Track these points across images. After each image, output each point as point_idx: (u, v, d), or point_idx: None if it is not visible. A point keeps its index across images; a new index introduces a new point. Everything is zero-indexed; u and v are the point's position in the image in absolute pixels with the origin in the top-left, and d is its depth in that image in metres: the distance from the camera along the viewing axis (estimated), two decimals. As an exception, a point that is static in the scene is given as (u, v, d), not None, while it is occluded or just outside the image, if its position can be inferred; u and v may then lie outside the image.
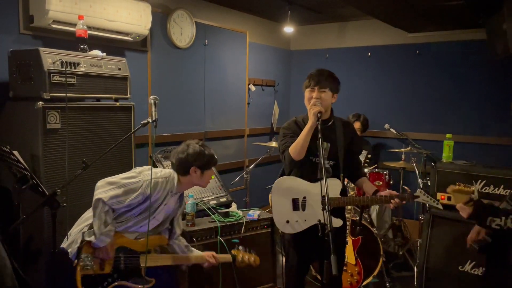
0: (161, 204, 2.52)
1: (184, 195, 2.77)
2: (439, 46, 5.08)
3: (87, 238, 2.36)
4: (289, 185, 2.72)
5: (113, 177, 2.45)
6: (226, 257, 2.86)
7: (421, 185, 4.05)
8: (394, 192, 2.65)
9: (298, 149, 2.57)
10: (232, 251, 2.90)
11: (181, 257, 2.73)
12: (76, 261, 2.37)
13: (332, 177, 2.68)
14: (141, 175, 2.47)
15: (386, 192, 2.66)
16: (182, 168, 2.56)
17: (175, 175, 2.56)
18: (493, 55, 4.17)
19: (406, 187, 3.18)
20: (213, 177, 4.00)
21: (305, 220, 2.67)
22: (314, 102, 2.56)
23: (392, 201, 2.59)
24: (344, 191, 2.76)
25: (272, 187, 2.79)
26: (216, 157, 2.65)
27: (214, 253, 2.85)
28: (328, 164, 2.70)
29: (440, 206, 2.77)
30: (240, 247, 2.93)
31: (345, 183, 3.28)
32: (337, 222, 2.67)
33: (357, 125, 4.85)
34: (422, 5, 3.81)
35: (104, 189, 2.38)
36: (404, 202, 2.64)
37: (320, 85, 2.62)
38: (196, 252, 2.84)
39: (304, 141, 2.55)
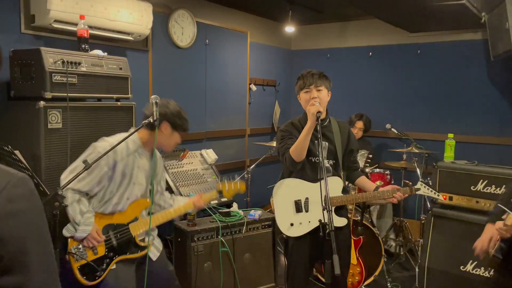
0: (134, 167, 2.48)
1: (156, 154, 2.64)
2: (440, 46, 5.07)
3: (67, 235, 2.35)
4: (290, 187, 2.71)
5: (73, 163, 2.43)
6: (212, 194, 2.80)
7: (420, 179, 4.05)
8: (395, 186, 2.66)
9: (298, 150, 2.56)
10: (217, 185, 2.80)
11: (170, 212, 2.66)
12: (66, 256, 2.36)
13: (332, 176, 2.68)
14: (96, 148, 2.40)
15: (387, 187, 2.67)
16: (152, 122, 2.43)
17: (135, 136, 2.49)
18: (494, 55, 4.16)
19: (407, 181, 3.19)
20: (214, 177, 4.00)
21: (309, 222, 2.66)
22: (313, 102, 2.55)
23: (394, 195, 2.61)
24: (345, 190, 2.76)
25: (273, 188, 2.79)
26: (189, 124, 2.59)
27: (201, 194, 2.78)
28: (328, 163, 2.70)
29: (441, 197, 2.80)
30: (225, 180, 2.81)
31: (348, 183, 3.28)
32: (341, 221, 2.67)
33: (359, 124, 4.85)
34: (423, 5, 3.80)
35: (67, 179, 2.32)
36: (406, 195, 2.66)
37: (315, 84, 2.61)
38: (182, 201, 2.78)
39: (304, 142, 2.54)
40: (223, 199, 3.79)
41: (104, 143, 2.42)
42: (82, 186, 2.37)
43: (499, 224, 2.16)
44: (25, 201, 0.88)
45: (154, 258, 2.64)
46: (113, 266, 2.47)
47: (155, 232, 2.75)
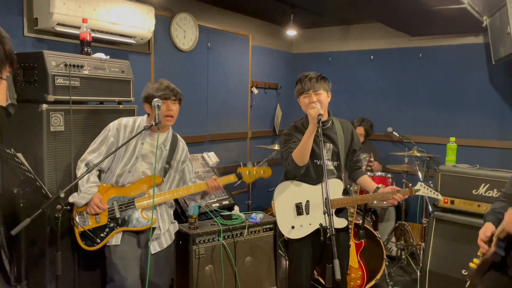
0: (138, 142, 2.62)
1: (179, 142, 2.81)
2: (442, 49, 5.07)
3: (71, 200, 2.51)
4: (291, 190, 2.72)
5: (91, 145, 2.65)
6: (230, 177, 2.83)
7: (419, 181, 4.04)
8: (395, 188, 2.68)
9: (301, 154, 2.56)
10: (238, 169, 2.85)
11: (177, 191, 2.73)
12: (72, 222, 2.53)
13: (336, 177, 2.69)
14: (108, 126, 2.66)
15: (387, 188, 2.69)
16: (144, 99, 2.67)
17: (145, 116, 2.71)
18: (496, 58, 4.16)
19: (406, 182, 3.18)
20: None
21: (310, 224, 2.67)
22: (313, 105, 2.56)
23: (394, 196, 2.62)
24: (346, 192, 2.77)
25: (274, 192, 2.79)
26: (161, 88, 2.62)
27: (215, 177, 2.84)
28: (332, 165, 2.71)
29: (440, 197, 2.81)
30: (248, 163, 2.85)
31: (349, 186, 3.28)
32: (341, 222, 2.67)
33: (360, 130, 4.82)
34: (425, 9, 3.81)
35: (86, 153, 2.61)
36: (405, 196, 2.67)
37: (314, 89, 2.62)
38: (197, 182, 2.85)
39: (306, 146, 2.54)
40: (225, 202, 3.80)
41: (115, 120, 2.67)
42: (94, 157, 2.56)
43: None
44: None
45: (153, 251, 2.67)
46: (114, 237, 2.58)
47: (166, 226, 2.77)
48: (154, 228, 2.67)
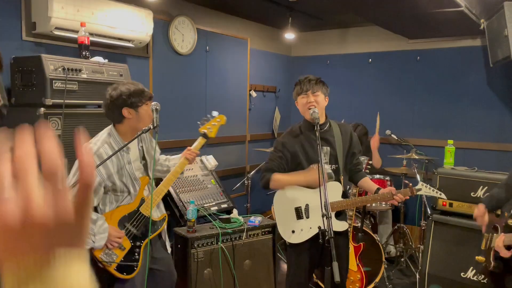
0: (123, 154, 2.47)
1: (155, 133, 2.60)
2: (440, 52, 5.09)
3: (87, 247, 2.36)
4: (290, 194, 2.72)
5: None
6: (199, 142, 2.73)
7: (419, 181, 4.04)
8: (393, 189, 2.67)
9: (280, 186, 2.68)
10: (199, 130, 2.75)
11: (170, 177, 2.64)
12: (100, 265, 2.41)
13: (333, 181, 2.69)
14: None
15: (386, 189, 2.68)
16: (113, 115, 2.40)
17: (112, 130, 2.45)
18: (494, 61, 4.17)
19: (407, 181, 3.17)
20: (213, 182, 4.00)
21: (310, 228, 2.67)
22: (310, 106, 2.61)
23: (395, 197, 2.61)
24: (345, 194, 2.77)
25: (272, 194, 2.79)
26: (142, 89, 2.44)
27: (188, 148, 2.72)
28: (330, 168, 2.71)
29: (443, 196, 2.78)
30: (203, 120, 2.77)
31: (348, 188, 3.27)
32: (341, 225, 2.67)
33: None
34: (422, 12, 3.83)
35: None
36: (407, 197, 2.66)
37: (312, 90, 2.65)
38: (175, 161, 2.76)
39: (288, 185, 2.65)
40: (223, 206, 3.80)
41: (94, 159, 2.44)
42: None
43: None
44: None
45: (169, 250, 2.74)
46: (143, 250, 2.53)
47: (164, 232, 2.77)
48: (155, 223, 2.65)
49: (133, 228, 2.53)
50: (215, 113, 2.80)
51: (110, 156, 2.36)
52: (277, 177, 2.65)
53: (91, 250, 2.40)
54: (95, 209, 2.49)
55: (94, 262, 2.42)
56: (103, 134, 2.47)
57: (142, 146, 2.64)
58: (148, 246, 2.58)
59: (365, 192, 3.67)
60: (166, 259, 2.75)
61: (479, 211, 2.59)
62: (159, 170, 2.81)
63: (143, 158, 2.64)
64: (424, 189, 2.68)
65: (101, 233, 2.37)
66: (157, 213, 2.67)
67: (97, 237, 2.35)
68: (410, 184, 2.73)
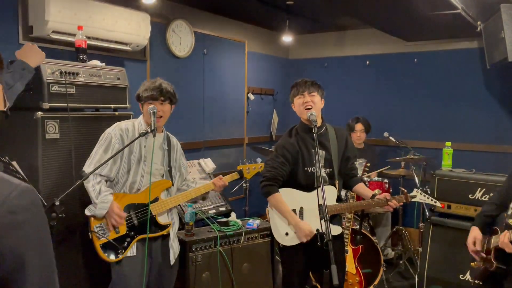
0: (142, 146, 2.61)
1: (172, 140, 2.84)
2: (437, 54, 5.10)
3: (88, 214, 2.50)
4: (285, 196, 2.72)
5: (92, 153, 2.59)
6: (233, 175, 2.88)
7: (416, 188, 4.03)
8: (388, 195, 2.67)
9: (273, 206, 2.73)
10: (238, 167, 2.94)
11: (188, 193, 2.75)
12: (89, 234, 2.49)
13: (328, 185, 2.68)
14: (106, 132, 2.60)
15: (382, 195, 2.68)
16: (136, 98, 2.69)
17: (140, 117, 2.70)
18: (491, 63, 4.19)
19: (402, 188, 3.16)
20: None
21: None
22: (306, 106, 2.64)
23: (389, 203, 2.61)
24: (340, 199, 2.77)
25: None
26: (150, 88, 2.61)
27: (220, 176, 2.86)
28: (324, 172, 2.70)
29: (438, 204, 2.80)
30: (245, 161, 3.02)
31: (346, 192, 3.27)
32: (335, 230, 2.66)
33: (359, 126, 4.82)
34: (420, 14, 3.83)
35: (91, 165, 2.51)
36: (401, 203, 2.66)
37: (309, 90, 2.68)
38: (202, 183, 2.88)
39: (281, 214, 2.70)
40: (221, 209, 3.79)
41: (113, 126, 2.62)
42: (102, 168, 2.48)
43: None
44: (27, 213, 0.83)
45: (172, 261, 2.74)
46: (133, 245, 2.56)
47: (174, 233, 2.79)
48: (164, 232, 2.69)
49: (135, 218, 2.59)
50: (258, 160, 3.06)
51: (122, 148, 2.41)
52: (277, 200, 2.69)
53: (90, 219, 2.50)
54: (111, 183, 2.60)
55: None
56: (131, 120, 2.78)
57: (168, 150, 2.75)
58: (146, 247, 2.58)
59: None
60: (162, 272, 2.73)
61: (477, 245, 2.44)
62: (183, 190, 2.86)
63: (169, 165, 2.74)
64: (419, 196, 2.69)
65: (103, 202, 2.46)
66: (165, 218, 2.72)
67: (99, 205, 2.45)
68: (405, 190, 2.72)
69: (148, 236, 2.56)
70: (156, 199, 2.65)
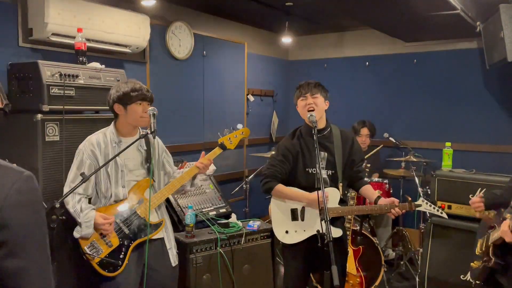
0: (117, 156, 2.48)
1: (153, 138, 2.55)
2: (436, 55, 5.10)
3: (77, 236, 2.43)
4: None
5: (69, 175, 2.53)
6: (216, 151, 2.74)
7: (421, 194, 4.04)
8: (395, 200, 2.61)
9: (280, 197, 2.72)
10: (218, 140, 2.78)
11: (174, 183, 2.65)
12: (84, 256, 2.43)
13: (330, 187, 2.67)
14: (79, 148, 2.53)
15: (387, 200, 2.63)
16: (111, 110, 2.56)
17: (112, 125, 2.58)
18: (490, 63, 4.19)
19: (407, 196, 3.15)
20: (211, 186, 3.99)
21: (304, 230, 2.66)
22: (308, 108, 2.63)
23: (392, 210, 2.57)
24: (343, 201, 2.75)
25: (271, 198, 2.79)
26: (138, 89, 2.49)
27: (203, 154, 2.74)
28: (326, 174, 2.70)
29: (444, 215, 2.72)
30: (224, 131, 2.82)
31: (347, 193, 3.26)
32: (336, 232, 2.65)
33: (365, 131, 4.82)
34: (419, 15, 3.84)
35: (66, 186, 2.48)
36: (403, 211, 2.61)
37: (311, 92, 2.67)
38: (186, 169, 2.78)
39: (287, 198, 2.70)
40: (222, 210, 3.78)
41: (84, 141, 2.54)
42: (77, 186, 2.39)
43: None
44: (32, 194, 1.01)
45: (173, 264, 2.68)
46: (132, 252, 2.50)
47: (173, 242, 2.74)
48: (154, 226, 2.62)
49: (125, 227, 2.51)
50: (239, 126, 2.88)
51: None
52: (280, 189, 2.69)
53: (79, 240, 2.44)
54: (89, 201, 2.52)
55: (80, 256, 2.45)
56: (101, 130, 2.61)
57: (146, 150, 2.64)
58: (146, 249, 2.50)
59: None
60: (163, 272, 2.65)
61: (476, 198, 2.68)
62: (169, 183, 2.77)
63: (146, 161, 2.63)
64: (424, 205, 2.61)
65: (86, 221, 2.40)
66: (156, 217, 2.64)
67: (83, 225, 2.40)
68: (410, 198, 2.66)
69: (148, 238, 2.51)
70: (140, 201, 2.56)
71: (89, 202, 2.53)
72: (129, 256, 2.50)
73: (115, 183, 2.52)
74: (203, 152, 2.77)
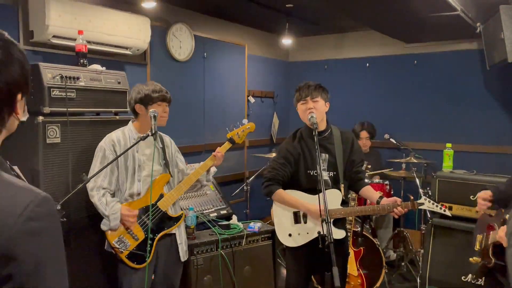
0: (134, 152, 2.65)
1: (165, 139, 2.87)
2: (436, 56, 5.11)
3: (105, 229, 2.56)
4: None
5: (91, 169, 2.64)
6: (225, 146, 2.89)
7: (422, 195, 4.03)
8: (398, 199, 2.60)
9: (280, 202, 2.72)
10: (227, 135, 2.92)
11: (190, 178, 2.80)
12: (113, 250, 2.57)
13: (331, 188, 2.67)
14: (99, 145, 2.65)
15: (390, 199, 2.62)
16: (131, 110, 2.71)
17: (130, 123, 2.73)
18: (490, 64, 4.19)
19: (409, 195, 3.15)
20: (212, 188, 3.99)
21: (307, 233, 2.66)
22: (309, 112, 2.61)
23: (395, 209, 2.56)
24: (345, 202, 2.75)
25: (272, 199, 2.79)
26: (158, 90, 2.64)
27: (218, 148, 2.87)
28: (327, 175, 2.69)
29: (448, 213, 2.71)
30: (232, 126, 2.95)
31: (348, 195, 3.26)
32: (339, 233, 2.65)
33: (364, 134, 4.84)
34: (419, 16, 3.84)
35: (91, 182, 2.57)
36: (406, 210, 2.60)
37: (311, 96, 2.65)
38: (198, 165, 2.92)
39: (288, 204, 2.70)
40: (223, 212, 3.79)
41: (104, 139, 2.67)
42: (101, 180, 2.57)
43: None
44: (46, 221, 0.88)
45: (182, 259, 2.81)
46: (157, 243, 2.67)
47: (184, 238, 2.86)
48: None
49: (148, 220, 2.64)
50: (245, 121, 2.99)
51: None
52: (281, 195, 2.69)
53: (107, 235, 2.57)
54: (113, 195, 2.64)
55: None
56: (121, 127, 2.75)
57: (162, 148, 2.79)
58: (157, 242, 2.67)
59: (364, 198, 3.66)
60: (169, 262, 2.79)
61: (485, 194, 2.55)
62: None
63: (164, 158, 2.78)
64: (427, 204, 2.59)
65: (113, 213, 2.53)
66: (174, 210, 2.79)
67: (110, 217, 2.53)
68: (412, 197, 2.62)
69: (171, 230, 2.72)
70: (161, 196, 2.70)
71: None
72: (154, 248, 2.65)
73: (131, 176, 2.65)
74: (218, 148, 2.87)
